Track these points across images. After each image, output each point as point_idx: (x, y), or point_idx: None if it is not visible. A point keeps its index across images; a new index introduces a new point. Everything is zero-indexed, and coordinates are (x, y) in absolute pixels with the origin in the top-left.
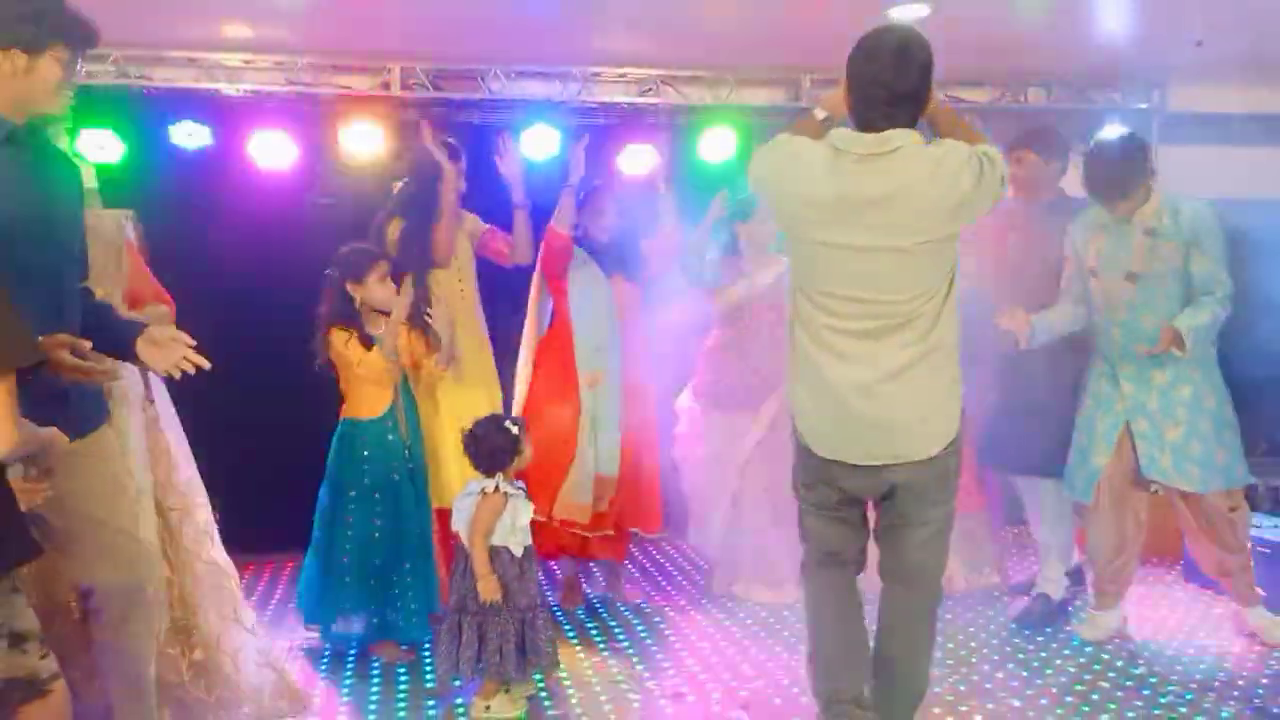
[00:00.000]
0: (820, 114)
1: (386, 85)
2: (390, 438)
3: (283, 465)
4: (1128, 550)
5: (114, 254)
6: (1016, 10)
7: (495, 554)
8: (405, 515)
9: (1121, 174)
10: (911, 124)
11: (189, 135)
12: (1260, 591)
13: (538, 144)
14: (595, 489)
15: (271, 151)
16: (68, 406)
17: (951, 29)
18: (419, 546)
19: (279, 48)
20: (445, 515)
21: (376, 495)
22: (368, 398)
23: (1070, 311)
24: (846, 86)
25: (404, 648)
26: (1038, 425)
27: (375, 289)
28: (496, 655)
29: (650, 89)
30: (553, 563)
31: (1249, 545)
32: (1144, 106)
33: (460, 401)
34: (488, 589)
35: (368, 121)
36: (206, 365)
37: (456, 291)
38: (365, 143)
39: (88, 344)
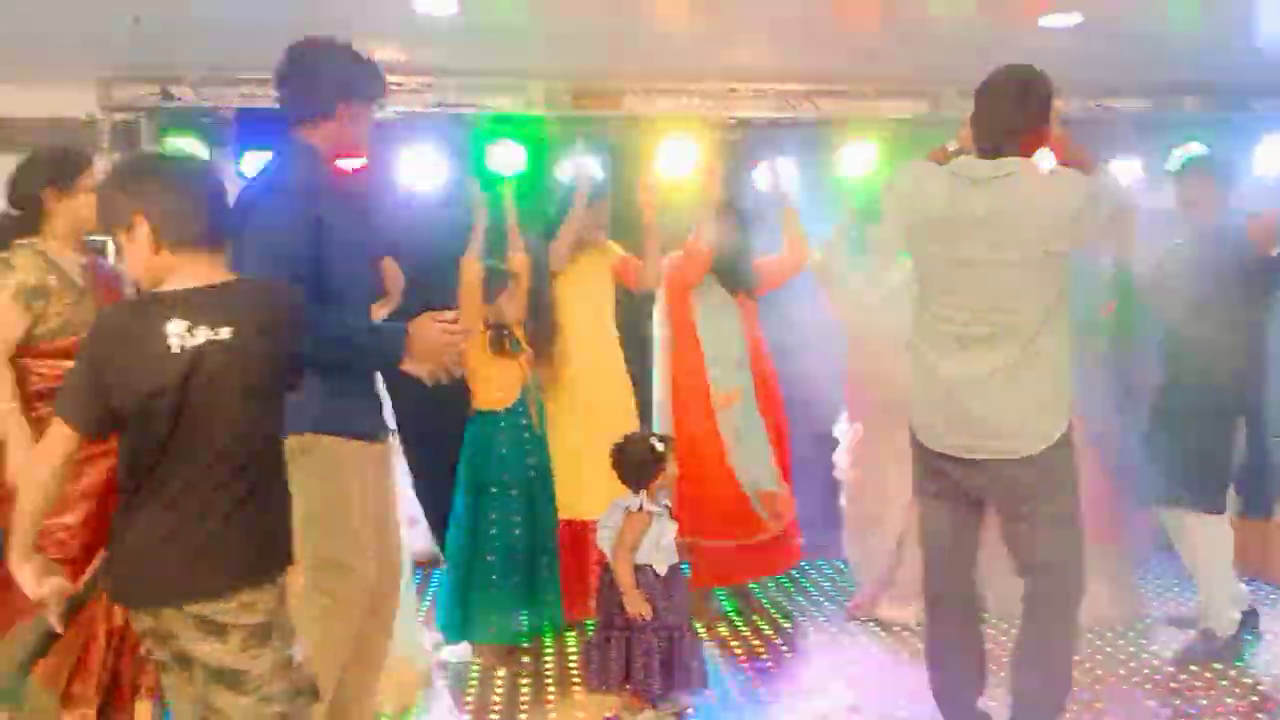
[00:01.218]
0: (952, 146)
1: (529, 104)
2: (524, 433)
3: None
4: None
5: None
6: (1171, 15)
7: (639, 572)
8: (540, 514)
9: None
10: (1029, 154)
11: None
12: None
13: (672, 160)
14: (766, 505)
15: (419, 171)
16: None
17: (1103, 37)
18: (551, 547)
19: (426, 69)
20: (573, 527)
21: (514, 493)
22: (497, 382)
23: None
24: (971, 119)
25: (526, 661)
26: (1194, 457)
27: (506, 306)
28: (642, 672)
29: (789, 103)
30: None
31: None
32: None
33: (593, 418)
34: (634, 604)
35: (510, 140)
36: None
37: (592, 317)
38: (508, 160)
39: None
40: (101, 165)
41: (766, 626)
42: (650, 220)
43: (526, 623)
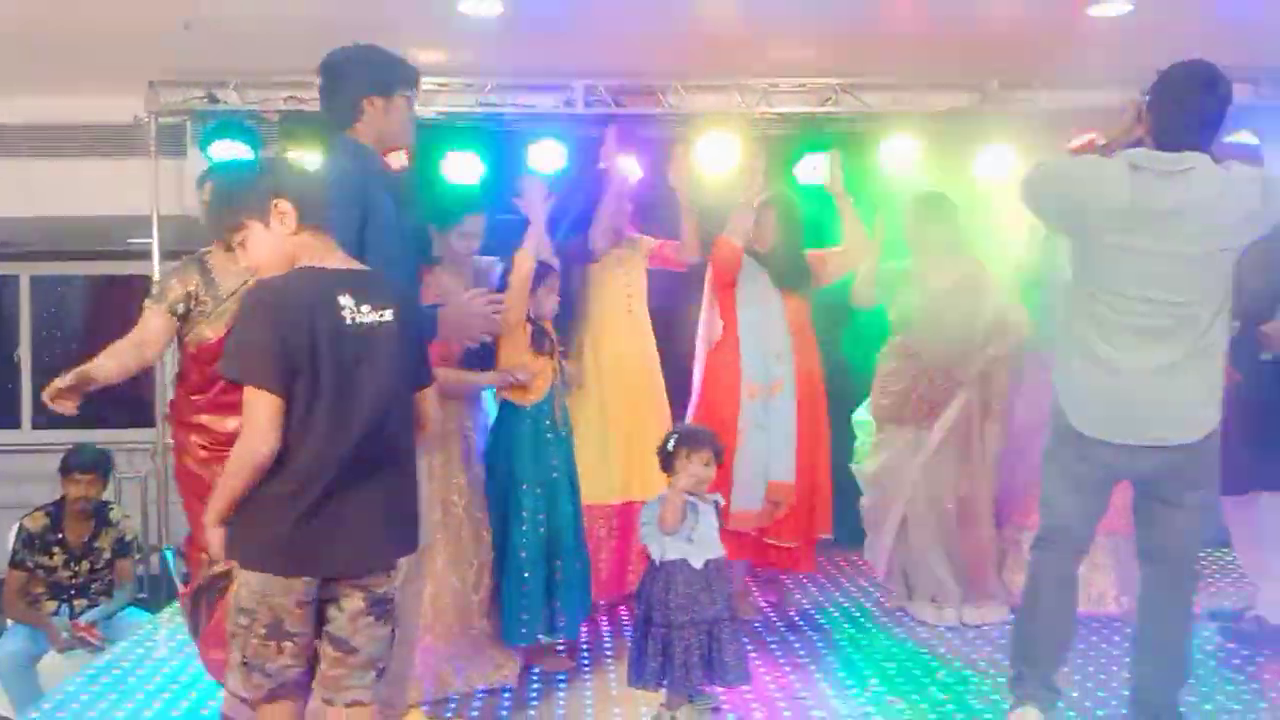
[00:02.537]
0: (1101, 141)
1: (570, 103)
2: (548, 432)
3: None
4: None
5: None
6: (1222, 2)
7: (675, 567)
8: (562, 515)
9: None
10: (1205, 148)
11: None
12: None
13: (714, 154)
14: (770, 494)
15: (461, 172)
16: None
17: (1154, 24)
18: (574, 549)
19: (469, 70)
20: (600, 510)
21: (538, 491)
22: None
23: None
24: (1151, 110)
25: (561, 653)
26: (1253, 440)
27: (544, 300)
28: (682, 668)
29: (830, 98)
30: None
31: None
32: None
33: (625, 407)
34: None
35: (553, 139)
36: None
37: (624, 308)
38: (551, 159)
39: None
40: (149, 168)
41: (802, 621)
42: (685, 197)
43: (548, 624)
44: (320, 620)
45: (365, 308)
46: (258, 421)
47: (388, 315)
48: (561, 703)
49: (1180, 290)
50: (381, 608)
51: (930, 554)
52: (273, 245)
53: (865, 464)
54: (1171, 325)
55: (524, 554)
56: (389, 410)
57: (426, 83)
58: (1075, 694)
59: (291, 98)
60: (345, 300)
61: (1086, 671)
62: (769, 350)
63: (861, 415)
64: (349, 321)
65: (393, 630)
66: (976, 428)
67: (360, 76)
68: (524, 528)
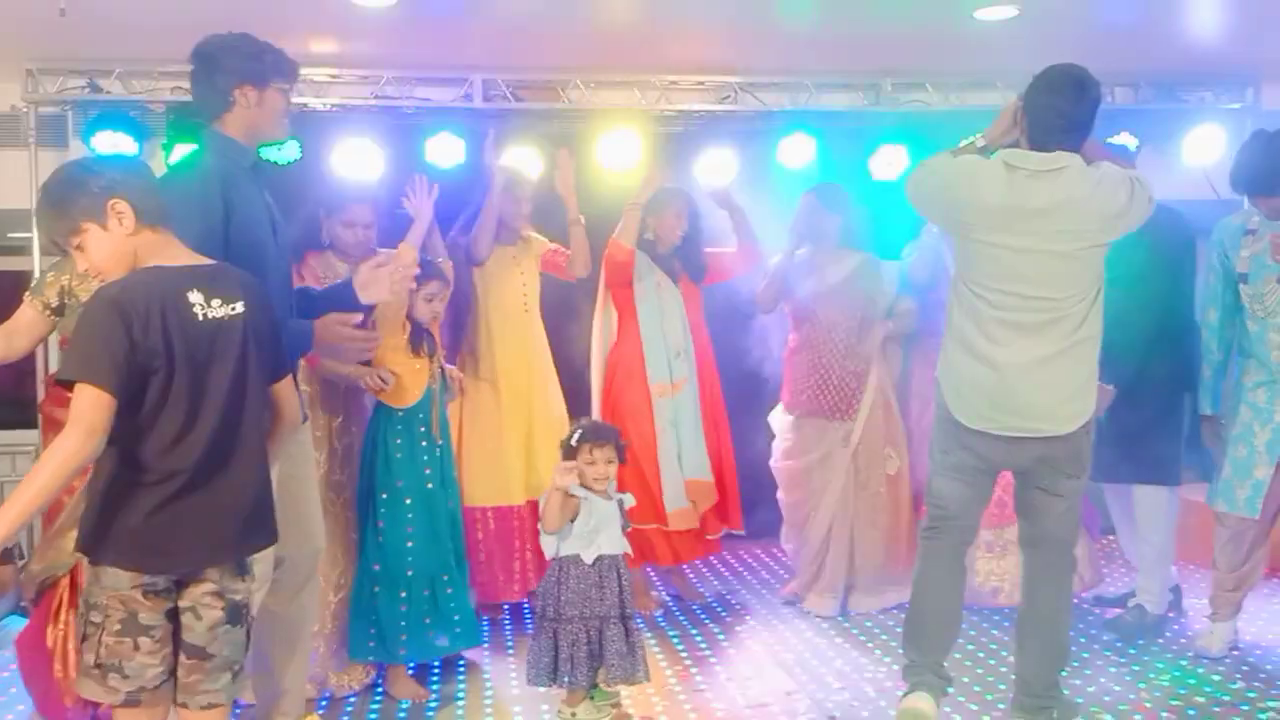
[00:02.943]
0: (981, 142)
1: (469, 97)
2: (422, 439)
3: None
4: (1252, 562)
5: None
6: (1103, 8)
7: (567, 564)
8: (439, 527)
9: (1272, 168)
10: (1076, 149)
11: (279, 150)
12: None
13: (616, 152)
14: (690, 494)
15: (357, 165)
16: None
17: (1038, 29)
18: (455, 563)
19: (364, 62)
20: (502, 511)
21: (408, 501)
22: (404, 381)
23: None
24: (1022, 112)
25: (412, 676)
26: (1134, 434)
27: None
28: (568, 663)
29: (729, 96)
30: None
31: None
32: (1237, 106)
33: (524, 406)
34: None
35: (450, 133)
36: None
37: (521, 307)
38: (448, 153)
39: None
40: (28, 159)
41: (704, 614)
42: (572, 208)
43: (430, 643)
44: (177, 627)
45: (215, 301)
46: (92, 422)
47: (238, 308)
48: (461, 706)
49: (1052, 286)
50: (237, 613)
51: (846, 544)
52: (112, 247)
53: (787, 462)
54: (1044, 320)
55: (377, 566)
56: (242, 403)
57: (320, 74)
58: (966, 679)
59: (178, 88)
60: (194, 296)
61: (977, 658)
62: (671, 348)
63: (778, 414)
64: (200, 318)
65: (248, 632)
66: (895, 410)
67: (233, 65)
68: (380, 539)
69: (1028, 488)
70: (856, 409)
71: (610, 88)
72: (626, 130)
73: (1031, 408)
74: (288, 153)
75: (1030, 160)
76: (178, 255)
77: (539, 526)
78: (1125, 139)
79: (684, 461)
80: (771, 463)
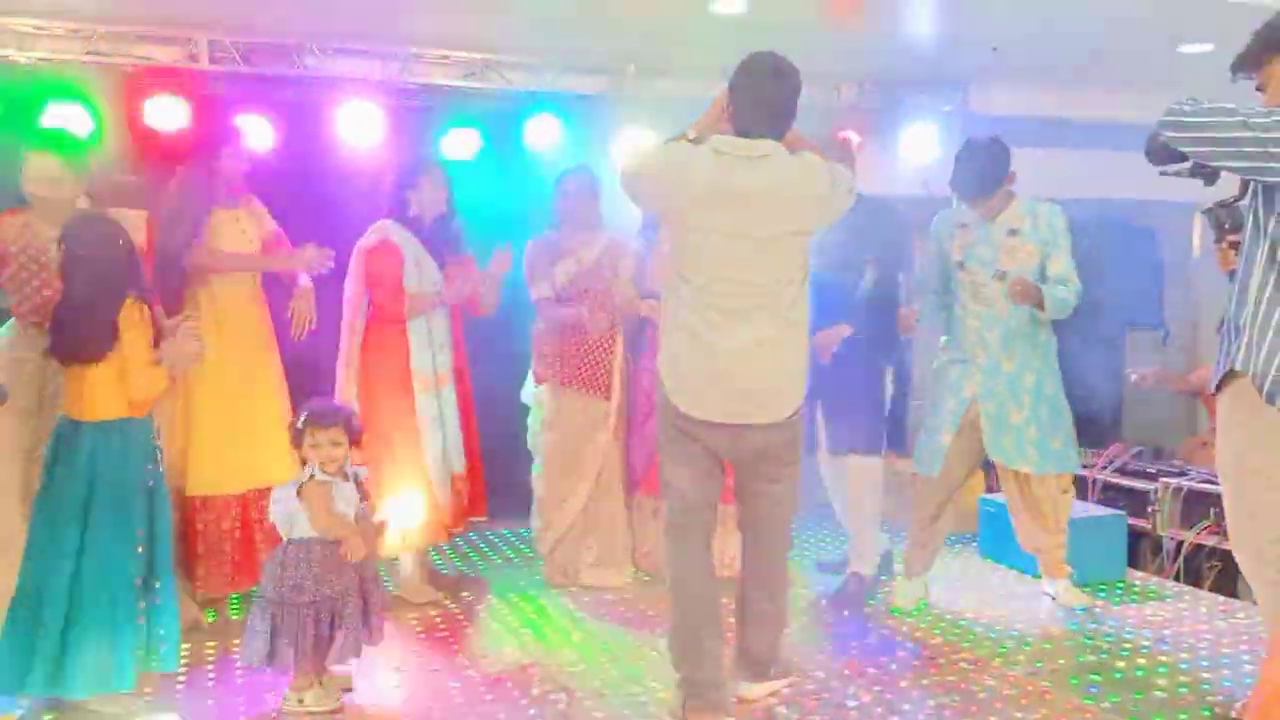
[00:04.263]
0: (692, 133)
1: (194, 58)
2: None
3: None
4: (940, 522)
5: None
6: (828, 12)
7: (301, 545)
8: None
9: (984, 174)
10: (779, 136)
11: None
12: (1068, 566)
13: (356, 125)
14: (454, 486)
15: (67, 126)
16: None
17: (768, 27)
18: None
19: (74, 13)
20: (222, 500)
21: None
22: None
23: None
24: (730, 99)
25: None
26: (845, 406)
27: None
28: (290, 648)
29: (473, 73)
30: None
31: (1066, 526)
32: (948, 108)
33: (247, 392)
34: (355, 549)
35: (171, 96)
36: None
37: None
38: (169, 118)
39: None
40: None
41: (447, 597)
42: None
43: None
44: None
45: None
46: None
47: None
48: (180, 692)
49: (757, 271)
50: None
51: (597, 521)
52: None
53: (544, 437)
54: (752, 305)
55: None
56: None
57: (23, 24)
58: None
59: None
60: None
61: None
62: (435, 341)
63: (529, 388)
64: None
65: None
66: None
67: None
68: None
69: (747, 477)
70: (606, 387)
71: (349, 56)
72: (365, 102)
73: (750, 394)
74: None
75: (737, 146)
76: None
77: (275, 508)
78: (850, 134)
79: (452, 458)
80: (530, 438)
